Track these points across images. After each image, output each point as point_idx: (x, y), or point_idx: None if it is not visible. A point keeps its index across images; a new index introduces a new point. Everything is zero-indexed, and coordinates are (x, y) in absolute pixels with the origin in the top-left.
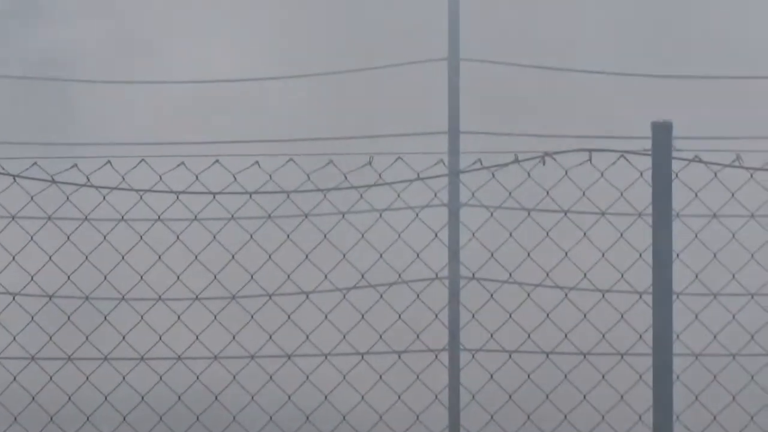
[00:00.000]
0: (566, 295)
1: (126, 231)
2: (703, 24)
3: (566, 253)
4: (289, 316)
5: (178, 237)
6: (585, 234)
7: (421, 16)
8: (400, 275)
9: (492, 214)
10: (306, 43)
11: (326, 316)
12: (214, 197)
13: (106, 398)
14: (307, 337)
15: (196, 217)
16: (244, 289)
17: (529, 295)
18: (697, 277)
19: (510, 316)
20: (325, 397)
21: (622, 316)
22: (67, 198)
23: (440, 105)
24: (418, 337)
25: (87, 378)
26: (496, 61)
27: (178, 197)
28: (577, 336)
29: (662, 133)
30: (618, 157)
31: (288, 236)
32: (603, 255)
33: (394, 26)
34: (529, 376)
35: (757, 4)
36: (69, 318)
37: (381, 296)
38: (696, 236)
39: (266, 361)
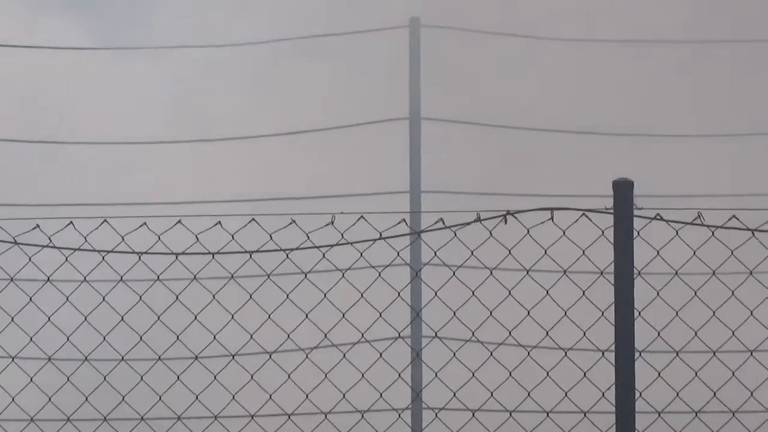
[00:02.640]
0: (528, 353)
1: (88, 291)
2: (662, 82)
3: (528, 312)
4: (252, 376)
5: (140, 298)
6: (547, 292)
7: (382, 74)
8: (363, 335)
9: (454, 273)
10: (266, 104)
11: (289, 376)
12: (177, 258)
13: None
14: (270, 396)
15: (158, 277)
16: (208, 350)
17: (491, 353)
18: (659, 334)
19: (473, 374)
20: None
21: (584, 375)
22: (29, 259)
23: (402, 164)
24: (381, 396)
25: None
26: (457, 121)
27: (140, 258)
28: (540, 394)
29: (623, 191)
30: (580, 215)
31: (251, 296)
32: (565, 313)
33: (355, 83)
34: None
35: (714, 65)
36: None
37: (344, 355)
38: (658, 294)
39: (231, 421)
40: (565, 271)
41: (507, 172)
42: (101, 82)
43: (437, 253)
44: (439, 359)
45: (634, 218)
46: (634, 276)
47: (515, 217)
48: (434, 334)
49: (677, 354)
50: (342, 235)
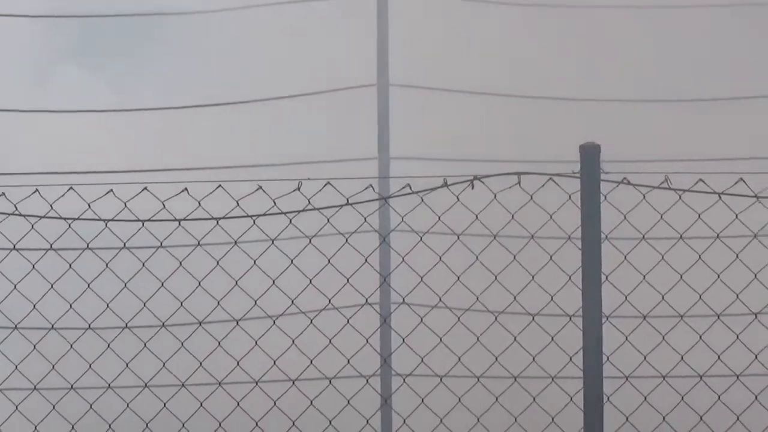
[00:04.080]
0: (496, 318)
1: (56, 259)
2: (630, 46)
3: (495, 277)
4: (219, 343)
5: (107, 265)
6: (515, 257)
7: (350, 42)
8: (330, 301)
9: (421, 239)
10: (231, 72)
11: (256, 342)
12: (143, 225)
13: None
14: (238, 363)
15: (125, 245)
16: (177, 317)
17: (459, 319)
18: (626, 299)
19: (440, 340)
20: (256, 423)
21: (552, 339)
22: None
23: (370, 131)
24: (348, 362)
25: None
26: (424, 87)
27: (106, 224)
28: (508, 359)
29: (590, 155)
30: (547, 180)
31: (218, 263)
32: (533, 278)
33: (324, 54)
34: (459, 400)
35: (682, 26)
36: None
37: (311, 321)
38: (625, 258)
39: (198, 388)
40: (532, 236)
41: (475, 137)
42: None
43: (405, 219)
44: (409, 325)
45: (601, 182)
46: (601, 240)
47: (482, 182)
48: (402, 300)
49: (644, 318)
50: (309, 201)
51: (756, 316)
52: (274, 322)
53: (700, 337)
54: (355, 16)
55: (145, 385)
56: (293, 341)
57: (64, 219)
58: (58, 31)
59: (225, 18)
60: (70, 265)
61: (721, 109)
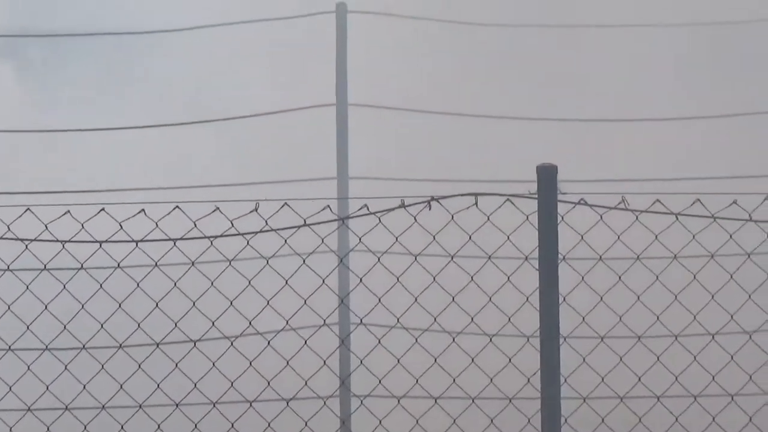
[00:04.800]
0: (453, 339)
1: (12, 279)
2: (588, 67)
3: (453, 298)
4: (176, 365)
5: (64, 286)
6: (472, 278)
7: (309, 63)
8: (287, 322)
9: (378, 260)
10: (192, 92)
11: (213, 364)
12: (101, 246)
13: None
14: (195, 385)
15: (82, 266)
16: (134, 338)
17: (416, 340)
18: (584, 320)
19: (398, 361)
20: None
21: (510, 360)
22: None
23: (329, 151)
24: (306, 383)
25: None
26: (383, 106)
27: (63, 246)
28: (466, 380)
29: (547, 176)
30: (504, 200)
31: (175, 284)
32: (490, 299)
33: (281, 72)
34: (417, 422)
35: (639, 46)
36: None
37: (268, 343)
38: (582, 279)
39: (155, 409)
40: (489, 257)
41: (433, 158)
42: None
43: (362, 240)
44: (368, 346)
45: (558, 203)
46: (559, 261)
47: (439, 203)
48: (359, 321)
49: (602, 339)
50: (266, 222)
51: (713, 337)
52: (232, 344)
53: (658, 358)
54: (314, 39)
55: (102, 407)
56: (250, 363)
57: (21, 240)
58: (10, 50)
59: (185, 39)
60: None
61: (677, 129)
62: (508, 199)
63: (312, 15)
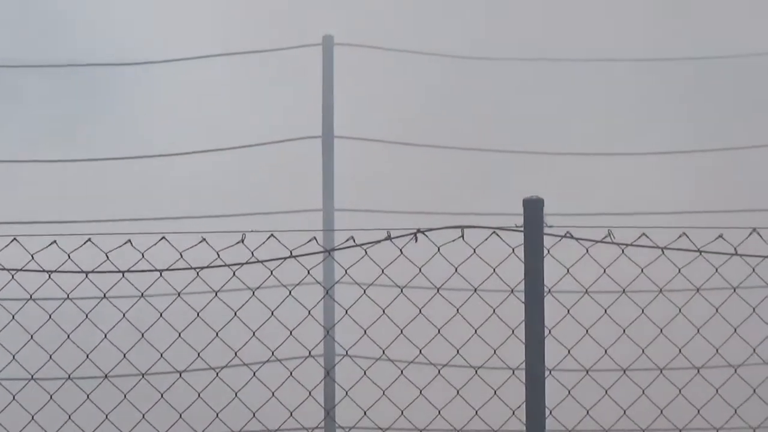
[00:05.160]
0: (439, 371)
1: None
2: (571, 100)
3: (439, 330)
4: (162, 395)
5: (50, 316)
6: (458, 311)
7: (295, 94)
8: (273, 353)
9: (365, 292)
10: (176, 121)
11: (199, 395)
12: (87, 276)
13: None
14: (180, 416)
15: (68, 296)
16: (120, 369)
17: (402, 372)
18: (569, 352)
19: (383, 393)
20: None
21: (495, 393)
22: None
23: (315, 183)
24: (291, 414)
25: None
26: (369, 139)
27: (50, 276)
28: (451, 412)
29: (533, 208)
30: (490, 233)
31: (161, 315)
32: (476, 332)
33: (268, 104)
34: None
35: (622, 82)
36: None
37: (254, 374)
38: (568, 312)
39: None
40: (475, 290)
41: (419, 190)
42: None
43: (348, 271)
44: (353, 377)
45: (545, 236)
46: (545, 294)
47: (425, 235)
48: (345, 353)
49: (587, 372)
50: (252, 253)
51: (698, 371)
52: (217, 375)
53: (643, 391)
54: (300, 68)
55: None
56: (236, 394)
57: (8, 270)
58: None
59: (170, 70)
60: (13, 316)
61: (663, 162)
62: (494, 232)
63: (298, 47)
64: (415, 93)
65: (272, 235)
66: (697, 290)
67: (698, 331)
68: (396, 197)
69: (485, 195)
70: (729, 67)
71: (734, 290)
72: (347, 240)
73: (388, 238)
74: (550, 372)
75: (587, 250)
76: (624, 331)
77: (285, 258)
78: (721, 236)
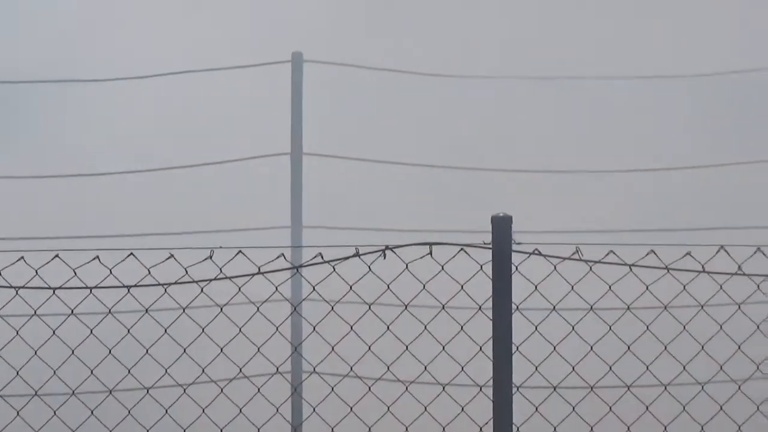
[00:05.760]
0: (407, 388)
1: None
2: (538, 119)
3: (407, 347)
4: (129, 411)
5: (17, 332)
6: (425, 327)
7: (264, 111)
8: (240, 370)
9: (332, 308)
10: (144, 139)
11: (166, 411)
12: (54, 292)
13: None
14: (147, 431)
15: (35, 312)
16: (86, 385)
17: (369, 388)
18: (536, 369)
19: (351, 409)
20: None
21: (462, 409)
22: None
23: (283, 200)
24: (258, 430)
25: None
26: (338, 156)
27: (17, 292)
28: (419, 429)
29: (502, 226)
30: (458, 250)
31: (129, 331)
32: (443, 348)
33: (236, 121)
34: None
35: (590, 101)
36: None
37: (221, 390)
38: (536, 329)
39: None
40: (443, 306)
41: (388, 207)
42: None
43: (316, 288)
44: (320, 394)
45: (513, 253)
46: (512, 311)
47: (394, 252)
48: (312, 369)
49: (555, 389)
50: (221, 269)
51: (665, 388)
52: (185, 391)
53: (610, 408)
54: (269, 86)
55: None
56: (203, 410)
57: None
58: None
59: (137, 86)
60: None
61: (630, 181)
62: (462, 249)
63: (268, 64)
64: (385, 111)
65: (240, 251)
66: (665, 307)
67: (665, 348)
68: (364, 214)
69: (454, 212)
70: (697, 86)
71: (701, 307)
72: (315, 256)
73: (357, 254)
74: (517, 389)
75: (555, 267)
76: (591, 348)
77: (253, 274)
78: (689, 254)
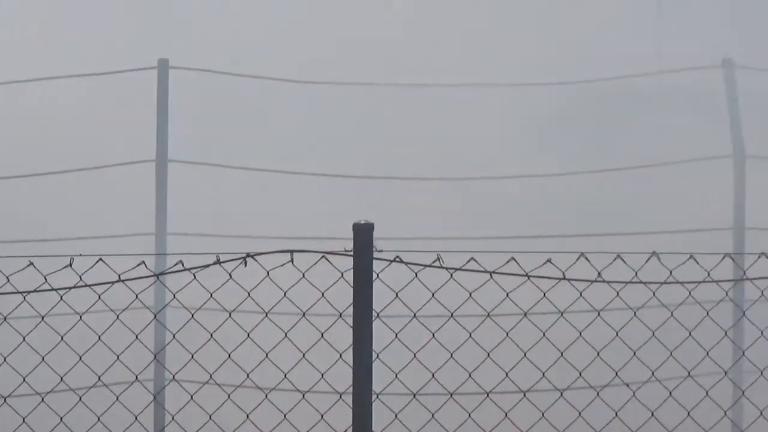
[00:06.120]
0: (266, 396)
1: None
2: (401, 127)
3: (267, 354)
4: None
5: None
6: (286, 335)
7: (130, 118)
8: (99, 378)
9: (192, 316)
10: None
11: (23, 420)
12: None
13: None
14: None
15: None
16: None
17: (229, 396)
18: (396, 377)
19: (210, 417)
20: None
21: (322, 417)
22: None
23: (148, 207)
24: None
25: None
26: (203, 162)
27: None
28: None
29: (363, 234)
30: (319, 258)
31: None
32: (303, 356)
33: (103, 127)
34: None
35: (457, 108)
36: None
37: (80, 399)
38: (396, 336)
39: None
40: (303, 314)
41: (251, 214)
42: None
43: (176, 296)
44: (182, 401)
45: (375, 260)
46: (373, 318)
47: (255, 260)
48: (172, 377)
49: (414, 396)
50: (80, 277)
51: (525, 395)
52: (42, 399)
53: (469, 415)
54: (135, 93)
55: None
56: (61, 419)
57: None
58: None
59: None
60: None
61: (490, 188)
62: (323, 256)
63: (135, 70)
64: (248, 117)
65: (101, 259)
66: (525, 314)
67: (525, 355)
68: (228, 221)
69: (317, 219)
70: (587, 93)
71: (561, 314)
72: (176, 264)
73: (218, 262)
74: (377, 396)
75: (416, 275)
76: (452, 355)
77: (113, 282)
78: (549, 261)
